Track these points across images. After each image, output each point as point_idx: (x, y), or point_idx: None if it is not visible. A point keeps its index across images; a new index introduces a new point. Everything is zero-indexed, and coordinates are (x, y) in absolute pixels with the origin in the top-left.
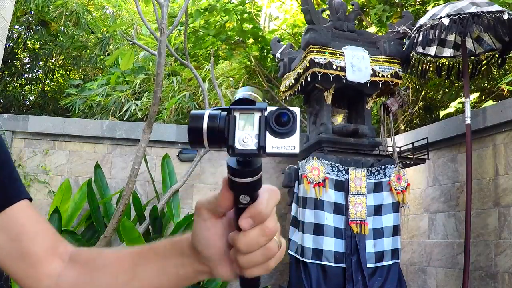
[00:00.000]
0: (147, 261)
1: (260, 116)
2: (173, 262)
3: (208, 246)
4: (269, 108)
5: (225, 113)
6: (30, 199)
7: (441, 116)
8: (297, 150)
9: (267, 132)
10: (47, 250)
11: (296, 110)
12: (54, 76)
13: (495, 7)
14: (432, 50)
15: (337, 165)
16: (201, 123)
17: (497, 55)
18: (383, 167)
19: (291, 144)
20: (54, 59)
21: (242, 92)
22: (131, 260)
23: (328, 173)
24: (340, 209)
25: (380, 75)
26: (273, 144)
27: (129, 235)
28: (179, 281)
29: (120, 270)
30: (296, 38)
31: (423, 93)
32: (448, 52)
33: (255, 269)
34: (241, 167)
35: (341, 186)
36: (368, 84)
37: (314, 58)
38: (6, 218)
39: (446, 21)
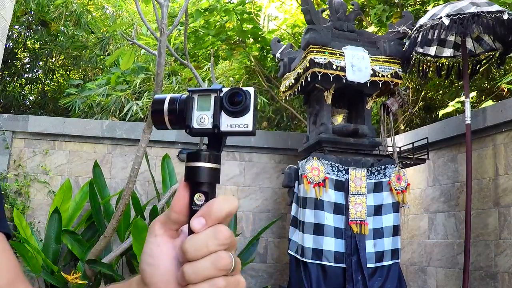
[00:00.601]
0: None
1: (215, 97)
2: None
3: (155, 265)
4: (224, 89)
5: (185, 95)
6: (8, 235)
7: (440, 115)
8: (250, 128)
9: (222, 112)
10: (4, 286)
11: (250, 89)
12: (54, 76)
13: (495, 7)
14: (432, 50)
15: (337, 165)
16: (162, 105)
17: (497, 55)
18: (383, 167)
19: (245, 122)
20: (54, 59)
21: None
22: None
23: (328, 173)
24: (340, 209)
25: (380, 75)
26: (228, 123)
27: (140, 235)
28: None
29: None
30: (296, 38)
31: (423, 93)
32: (448, 52)
33: (201, 284)
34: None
35: (341, 186)
36: (368, 84)
37: (314, 58)
38: None
39: (446, 21)
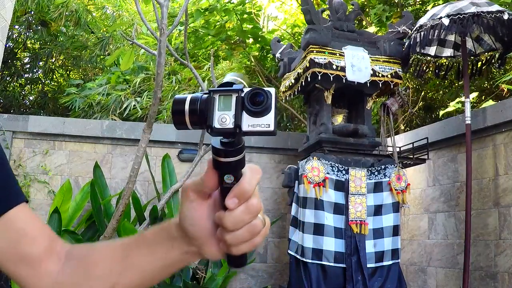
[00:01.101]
0: (138, 250)
1: (236, 97)
2: (162, 247)
3: (195, 226)
4: (246, 89)
5: (205, 96)
6: (27, 201)
7: (440, 115)
8: (271, 128)
9: (243, 112)
10: (45, 250)
11: (271, 90)
12: (54, 76)
13: (495, 7)
14: (432, 50)
15: (337, 165)
16: (183, 106)
17: (497, 55)
18: (383, 167)
19: (266, 122)
20: (54, 59)
21: (229, 77)
22: (123, 251)
23: (328, 173)
24: (340, 209)
25: (380, 75)
26: (249, 122)
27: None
28: (169, 265)
29: (113, 262)
30: (296, 38)
31: (423, 93)
32: (448, 52)
33: (241, 246)
34: (225, 147)
35: (341, 186)
36: (368, 84)
37: (314, 58)
38: (4, 223)
39: (446, 21)
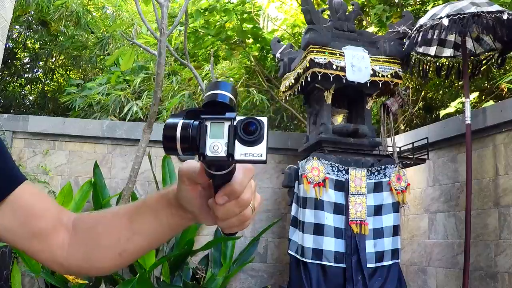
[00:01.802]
0: (142, 216)
1: (229, 125)
2: (164, 212)
3: (190, 203)
4: (238, 118)
5: (197, 122)
6: (26, 179)
7: (441, 116)
8: (264, 158)
9: (236, 141)
10: (54, 223)
11: (264, 119)
12: (54, 76)
13: (495, 7)
14: (432, 50)
15: (337, 165)
16: (175, 132)
17: (496, 55)
18: (383, 167)
19: (259, 151)
20: (54, 59)
21: (220, 92)
22: (129, 218)
23: (328, 173)
24: (340, 209)
25: (380, 75)
26: (242, 151)
27: None
28: (171, 229)
29: (120, 230)
30: (296, 38)
31: (423, 93)
32: (448, 52)
33: (232, 228)
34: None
35: (341, 186)
36: (368, 84)
37: (314, 58)
38: (11, 203)
39: (446, 21)
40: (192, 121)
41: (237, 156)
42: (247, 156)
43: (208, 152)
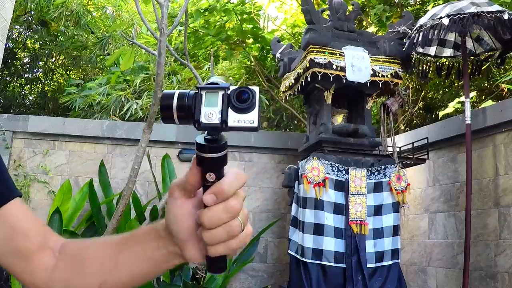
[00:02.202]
0: (129, 248)
1: (223, 94)
2: (151, 246)
3: (177, 223)
4: (232, 87)
5: (193, 92)
6: (20, 195)
7: (440, 115)
8: (255, 124)
9: (229, 108)
10: (40, 244)
11: (256, 89)
12: (54, 76)
13: (495, 7)
14: (432, 50)
15: (337, 165)
16: (171, 101)
17: (497, 55)
18: (383, 167)
19: (251, 118)
20: (54, 59)
21: (212, 79)
22: (115, 248)
23: (328, 173)
24: (340, 209)
25: (380, 75)
26: (235, 118)
27: None
28: (157, 265)
29: (105, 258)
30: (296, 38)
31: (423, 93)
32: (448, 52)
33: (218, 246)
34: (207, 143)
35: (341, 186)
36: (368, 84)
37: (314, 58)
38: (0, 216)
39: (446, 21)
40: (188, 91)
41: (230, 123)
42: (240, 123)
43: (203, 119)
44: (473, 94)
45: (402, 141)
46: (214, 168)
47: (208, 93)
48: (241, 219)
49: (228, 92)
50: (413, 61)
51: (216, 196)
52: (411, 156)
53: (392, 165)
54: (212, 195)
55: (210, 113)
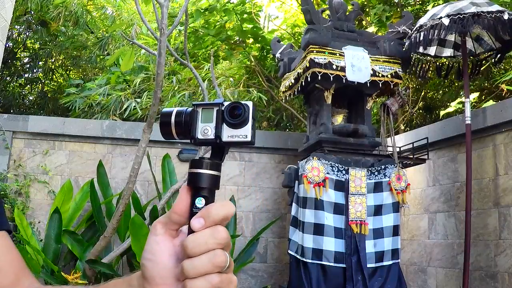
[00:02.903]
0: None
1: (217, 110)
2: None
3: (153, 262)
4: (226, 103)
5: (190, 109)
6: (9, 230)
7: (440, 115)
8: (249, 138)
9: (223, 124)
10: (12, 282)
11: (249, 103)
12: (54, 76)
13: (495, 7)
14: (432, 50)
15: (337, 165)
16: (170, 118)
17: (496, 55)
18: (383, 167)
19: (244, 133)
20: (54, 59)
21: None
22: None
23: (328, 173)
24: (340, 209)
25: (380, 75)
26: (229, 133)
27: (138, 232)
28: None
29: None
30: (296, 38)
31: (423, 93)
32: (448, 52)
33: (197, 280)
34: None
35: (341, 186)
36: (368, 84)
37: (314, 58)
38: None
39: (446, 21)
40: (186, 108)
41: (224, 138)
42: (234, 138)
43: (199, 135)
44: (475, 95)
45: (402, 141)
46: (206, 190)
47: (204, 109)
48: (228, 256)
49: (222, 108)
50: (413, 61)
51: (204, 219)
52: (411, 156)
53: (392, 165)
54: (200, 218)
55: (206, 129)
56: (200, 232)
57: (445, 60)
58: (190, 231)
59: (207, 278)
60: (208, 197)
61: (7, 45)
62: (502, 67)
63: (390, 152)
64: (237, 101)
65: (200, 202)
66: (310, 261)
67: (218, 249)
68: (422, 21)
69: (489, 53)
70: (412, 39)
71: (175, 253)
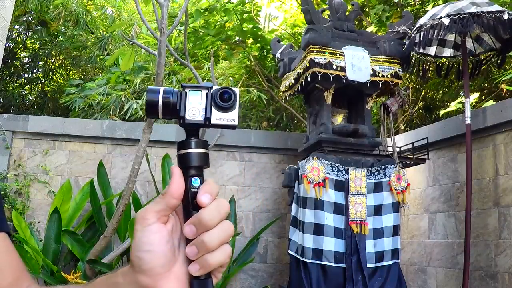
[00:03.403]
0: None
1: (206, 93)
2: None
3: (152, 252)
4: (215, 87)
5: (177, 89)
6: (8, 232)
7: (440, 115)
8: (236, 123)
9: (212, 107)
10: (10, 283)
11: (236, 89)
12: (54, 76)
13: (495, 7)
14: (432, 50)
15: (337, 165)
16: (157, 96)
17: (496, 55)
18: (383, 167)
19: (232, 117)
20: (53, 59)
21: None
22: None
23: (328, 173)
24: (340, 209)
25: (380, 75)
26: (217, 116)
27: None
28: None
29: None
30: (296, 38)
31: (423, 93)
32: (448, 52)
33: (217, 252)
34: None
35: (341, 186)
36: (368, 84)
37: (314, 58)
38: None
39: (446, 21)
40: (172, 88)
41: (213, 121)
42: (222, 121)
43: (187, 116)
44: (475, 95)
45: (402, 141)
46: (198, 169)
47: (192, 91)
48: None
49: (211, 91)
50: (413, 61)
51: (210, 194)
52: (411, 156)
53: (392, 165)
54: (207, 194)
55: (194, 110)
56: (209, 206)
57: (445, 60)
58: (195, 209)
59: (222, 248)
60: (202, 175)
61: (7, 45)
62: (502, 67)
63: (390, 152)
64: (226, 86)
65: (196, 181)
66: (310, 261)
67: (224, 219)
68: (422, 21)
69: (489, 53)
70: (412, 39)
71: (171, 239)
